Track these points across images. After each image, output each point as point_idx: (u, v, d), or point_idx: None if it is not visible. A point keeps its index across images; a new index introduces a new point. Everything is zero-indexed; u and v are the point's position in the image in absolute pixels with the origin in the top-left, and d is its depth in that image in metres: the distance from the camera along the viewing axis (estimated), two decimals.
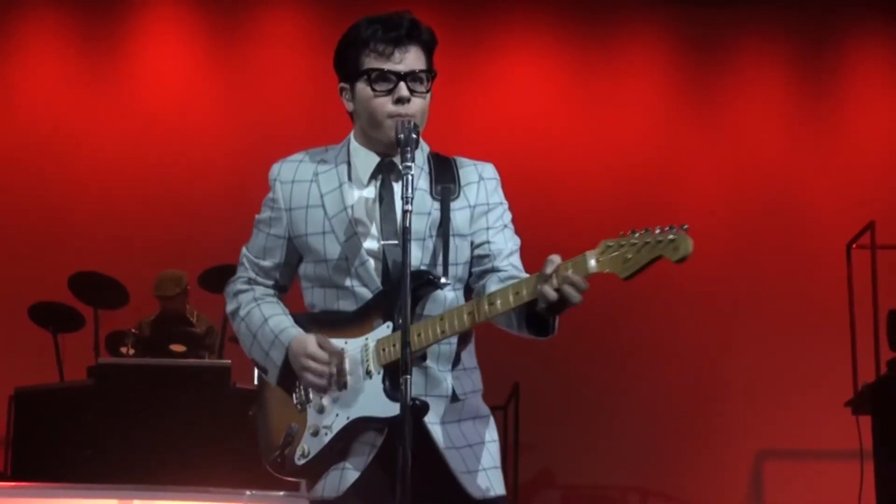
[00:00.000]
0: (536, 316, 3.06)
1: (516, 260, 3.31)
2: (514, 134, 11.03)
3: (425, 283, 3.13)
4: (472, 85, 11.02)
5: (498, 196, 3.33)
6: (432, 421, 3.13)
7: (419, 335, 3.08)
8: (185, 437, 7.44)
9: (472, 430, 3.22)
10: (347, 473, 3.14)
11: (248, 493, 6.60)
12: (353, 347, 3.16)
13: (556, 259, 2.96)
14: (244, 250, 3.36)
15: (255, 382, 3.36)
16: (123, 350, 8.56)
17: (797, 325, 10.54)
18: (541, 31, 11.43)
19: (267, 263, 3.31)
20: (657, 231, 2.89)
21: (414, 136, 3.09)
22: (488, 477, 3.20)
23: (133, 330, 8.79)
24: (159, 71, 11.23)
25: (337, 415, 3.14)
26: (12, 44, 11.17)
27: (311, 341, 3.15)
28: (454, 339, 3.19)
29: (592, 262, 2.94)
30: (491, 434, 3.27)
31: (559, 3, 11.44)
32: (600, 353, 10.55)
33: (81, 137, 10.95)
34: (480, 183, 3.31)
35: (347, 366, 3.16)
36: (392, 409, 3.05)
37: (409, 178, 3.01)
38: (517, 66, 11.39)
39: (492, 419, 3.30)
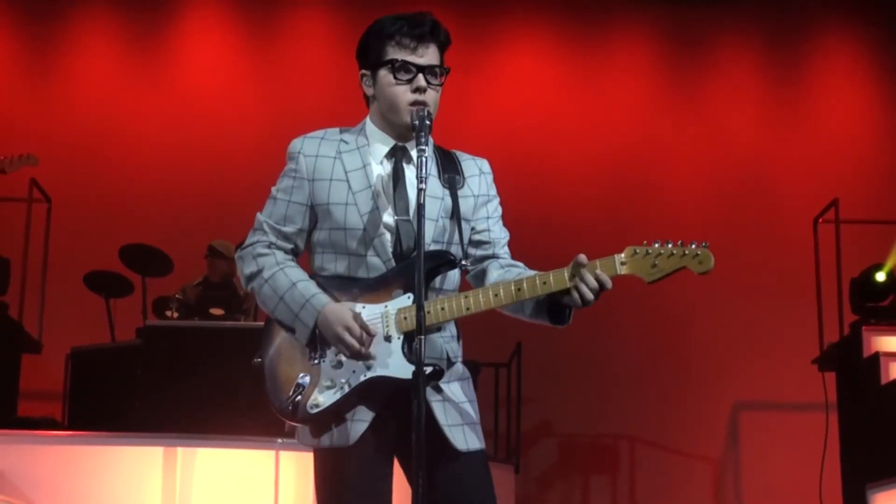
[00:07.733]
0: (555, 305, 3.14)
1: (507, 249, 3.36)
2: (512, 122, 11.01)
3: (445, 262, 3.14)
4: (474, 77, 10.95)
5: (494, 190, 3.37)
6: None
7: (443, 308, 3.09)
8: (223, 392, 7.40)
9: (459, 390, 3.20)
10: (356, 425, 3.09)
11: (279, 440, 6.58)
12: (371, 312, 3.12)
13: (584, 258, 3.03)
14: (261, 217, 3.27)
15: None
16: (168, 313, 8.54)
17: (770, 292, 10.52)
18: (538, 28, 11.39)
19: (288, 229, 3.23)
20: (679, 244, 3.04)
21: (428, 122, 3.11)
22: (474, 431, 3.18)
23: (177, 295, 8.76)
24: (201, 63, 11.25)
25: (354, 371, 3.09)
26: (71, 40, 11.20)
27: (347, 314, 3.08)
28: None
29: (620, 265, 3.04)
30: (471, 394, 3.24)
31: (555, 3, 11.37)
32: (595, 318, 10.44)
33: (131, 123, 10.96)
34: (481, 176, 3.33)
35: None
36: (409, 370, 3.03)
37: (424, 160, 3.01)
38: (516, 61, 11.34)
39: (471, 380, 3.27)
